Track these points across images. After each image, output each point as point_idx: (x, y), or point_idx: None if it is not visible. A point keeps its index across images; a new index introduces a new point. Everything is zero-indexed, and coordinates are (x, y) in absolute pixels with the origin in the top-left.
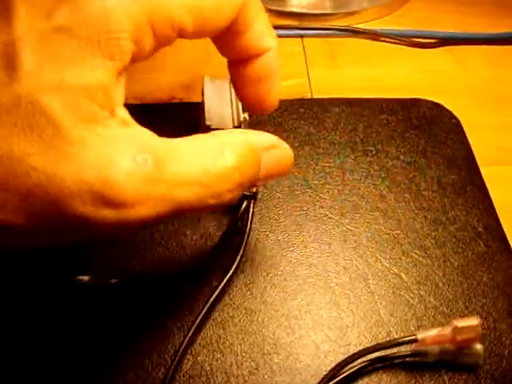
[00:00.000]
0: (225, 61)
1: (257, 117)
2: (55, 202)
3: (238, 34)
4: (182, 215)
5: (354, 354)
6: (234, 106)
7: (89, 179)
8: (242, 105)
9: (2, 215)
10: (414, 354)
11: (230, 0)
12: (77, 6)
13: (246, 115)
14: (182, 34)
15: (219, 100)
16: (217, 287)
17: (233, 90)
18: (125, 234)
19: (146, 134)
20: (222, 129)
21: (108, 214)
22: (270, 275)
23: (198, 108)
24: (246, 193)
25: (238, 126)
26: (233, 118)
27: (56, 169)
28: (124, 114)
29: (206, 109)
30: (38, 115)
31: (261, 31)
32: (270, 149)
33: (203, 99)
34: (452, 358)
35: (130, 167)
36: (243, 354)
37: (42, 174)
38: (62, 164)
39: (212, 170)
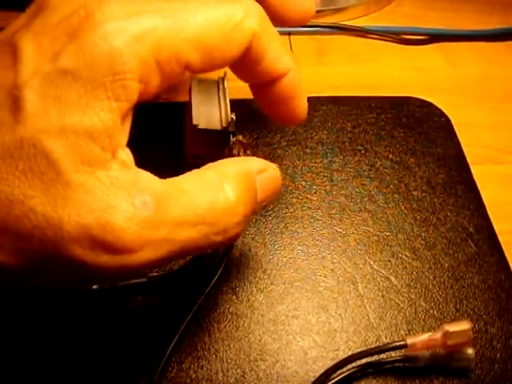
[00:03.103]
0: None
1: (243, 117)
2: (53, 245)
3: (255, 63)
4: (189, 255)
5: (343, 360)
6: (222, 106)
7: (88, 224)
8: (230, 105)
9: None
10: (404, 360)
11: (238, 34)
12: (82, 47)
13: (234, 116)
14: (189, 68)
15: (207, 100)
16: (202, 292)
17: (221, 90)
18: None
19: (145, 177)
20: (210, 129)
21: (108, 259)
22: (257, 279)
23: (183, 108)
24: None
25: (226, 127)
26: (221, 119)
27: (55, 212)
28: (125, 156)
29: (194, 108)
30: (39, 158)
31: (277, 55)
32: (261, 173)
33: (190, 99)
34: (443, 363)
35: (129, 211)
36: (229, 361)
37: (41, 217)
38: (62, 208)
39: (215, 207)
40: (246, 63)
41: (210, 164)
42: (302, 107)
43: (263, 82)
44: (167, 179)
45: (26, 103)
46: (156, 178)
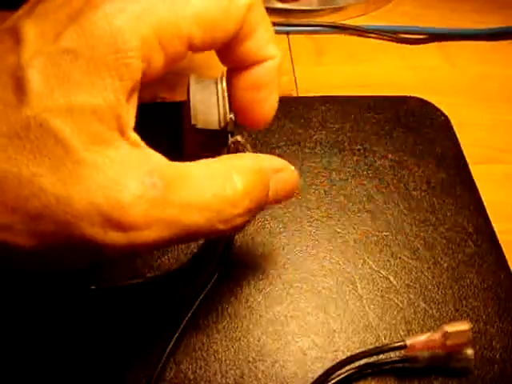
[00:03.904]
0: (208, 60)
1: None
2: (63, 223)
3: (241, 40)
4: (191, 240)
5: (342, 361)
6: (221, 105)
7: (97, 201)
8: (230, 105)
9: (9, 237)
10: (403, 360)
11: (235, 6)
12: (83, 27)
13: (233, 116)
14: (191, 46)
15: (205, 99)
16: (200, 292)
17: (219, 90)
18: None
19: (155, 157)
20: (208, 129)
21: (117, 236)
22: (255, 279)
23: (181, 107)
24: None
25: (225, 127)
26: (219, 118)
27: (65, 190)
28: (134, 135)
29: (192, 107)
30: (47, 137)
31: (264, 38)
32: (278, 172)
33: (189, 98)
34: (442, 364)
35: (139, 190)
36: (228, 362)
37: (50, 196)
38: (71, 186)
39: (221, 195)
40: (235, 40)
41: (225, 156)
42: (270, 103)
43: (244, 65)
44: (178, 163)
45: (29, 83)
46: (166, 160)
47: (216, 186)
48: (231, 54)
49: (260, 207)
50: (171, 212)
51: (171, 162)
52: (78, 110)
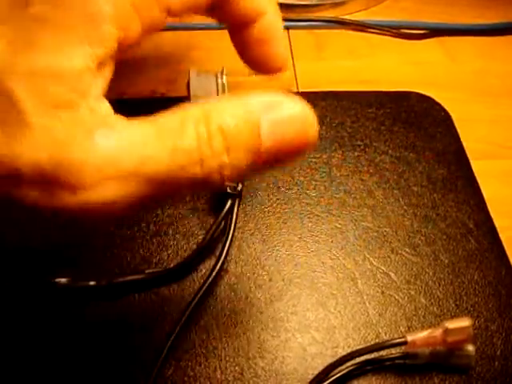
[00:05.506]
0: (208, 55)
1: None
2: (7, 185)
3: (233, 1)
4: (168, 193)
5: (343, 357)
6: None
7: (42, 161)
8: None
9: None
10: (404, 357)
11: None
12: None
13: None
14: (171, 12)
15: (205, 92)
16: (200, 288)
17: (219, 84)
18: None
19: (112, 117)
20: None
21: (65, 197)
22: (255, 275)
23: (181, 102)
24: (231, 191)
25: None
26: None
27: (10, 150)
28: (99, 103)
29: (192, 101)
30: (2, 98)
31: None
32: (272, 108)
33: (189, 92)
34: (443, 360)
35: (88, 147)
36: (227, 359)
37: None
38: (17, 146)
39: (185, 133)
40: (224, 3)
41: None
42: (280, 51)
43: (242, 23)
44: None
45: None
46: (123, 118)
47: (178, 127)
48: (226, 14)
49: (249, 153)
50: (128, 165)
51: (129, 119)
52: (40, 72)
